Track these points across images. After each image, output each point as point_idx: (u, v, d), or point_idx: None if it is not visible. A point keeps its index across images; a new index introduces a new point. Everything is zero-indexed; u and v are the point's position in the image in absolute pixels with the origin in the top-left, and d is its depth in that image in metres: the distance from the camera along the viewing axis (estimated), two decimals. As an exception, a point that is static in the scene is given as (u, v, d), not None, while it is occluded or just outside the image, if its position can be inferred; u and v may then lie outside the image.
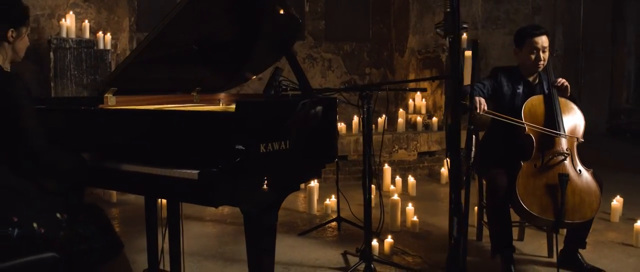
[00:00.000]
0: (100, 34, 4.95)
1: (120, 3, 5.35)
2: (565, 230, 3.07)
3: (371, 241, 2.91)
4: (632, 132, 7.00)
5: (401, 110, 6.14)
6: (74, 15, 4.91)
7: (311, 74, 6.75)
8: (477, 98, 2.83)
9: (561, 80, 3.04)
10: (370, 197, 2.90)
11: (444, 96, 6.08)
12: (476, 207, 3.96)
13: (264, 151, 2.03)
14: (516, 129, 2.94)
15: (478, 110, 2.81)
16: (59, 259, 1.86)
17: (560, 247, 3.11)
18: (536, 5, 6.91)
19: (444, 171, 5.65)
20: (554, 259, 3.21)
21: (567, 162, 2.87)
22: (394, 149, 5.77)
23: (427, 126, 6.15)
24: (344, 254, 3.35)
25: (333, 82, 6.88)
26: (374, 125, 5.87)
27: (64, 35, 4.79)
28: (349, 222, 3.83)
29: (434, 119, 6.10)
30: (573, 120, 3.00)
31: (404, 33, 6.66)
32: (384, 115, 5.90)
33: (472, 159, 2.73)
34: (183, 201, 2.05)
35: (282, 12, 2.86)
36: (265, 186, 2.05)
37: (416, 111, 6.38)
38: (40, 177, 2.02)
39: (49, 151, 1.96)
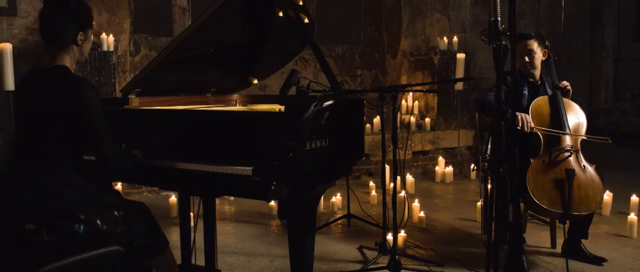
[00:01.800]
0: (103, 35, 4.99)
1: (121, 5, 5.39)
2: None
3: (396, 235, 3.04)
4: (611, 131, 7.34)
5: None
6: (76, 17, 4.93)
7: (303, 75, 6.87)
8: (523, 116, 3.02)
9: (566, 84, 3.25)
10: (395, 192, 3.03)
11: (436, 97, 6.29)
12: (478, 203, 4.17)
13: (309, 148, 2.16)
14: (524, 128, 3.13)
15: (526, 129, 2.99)
16: (123, 252, 1.96)
17: (561, 239, 3.33)
18: (521, 10, 7.19)
19: (439, 169, 5.85)
20: (557, 250, 3.44)
21: (573, 158, 3.07)
22: (389, 149, 5.92)
23: (420, 126, 6.35)
24: (360, 249, 3.49)
25: (325, 83, 7.00)
26: (370, 126, 6.04)
27: (67, 36, 4.80)
28: (359, 218, 3.97)
29: (427, 119, 6.31)
30: (576, 119, 3.21)
31: (395, 36, 6.85)
32: (377, 116, 6.07)
33: (487, 156, 2.90)
34: (235, 196, 2.17)
35: (281, 14, 2.98)
36: (309, 182, 2.19)
37: (409, 112, 6.57)
38: (102, 176, 2.11)
39: (117, 154, 2.05)
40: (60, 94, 1.95)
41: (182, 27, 6.23)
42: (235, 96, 3.35)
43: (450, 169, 5.84)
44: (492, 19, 1.80)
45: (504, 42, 1.76)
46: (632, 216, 3.79)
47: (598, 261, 3.19)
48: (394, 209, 3.02)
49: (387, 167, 5.44)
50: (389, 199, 3.94)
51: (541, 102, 3.21)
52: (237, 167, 2.03)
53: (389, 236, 3.35)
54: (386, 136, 3.44)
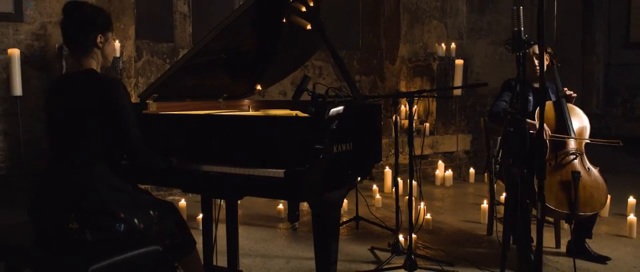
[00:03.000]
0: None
1: (127, 11, 5.44)
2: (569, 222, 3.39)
3: (411, 235, 3.12)
4: (602, 136, 7.53)
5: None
6: (83, 23, 4.97)
7: (303, 81, 6.97)
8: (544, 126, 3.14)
9: (570, 92, 3.38)
10: (411, 195, 3.12)
11: (435, 103, 6.42)
12: (483, 205, 4.28)
13: (336, 151, 2.25)
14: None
15: (546, 138, 3.11)
16: (162, 251, 2.03)
17: (565, 239, 3.45)
18: (515, 17, 7.36)
19: (439, 173, 5.97)
20: (562, 249, 3.56)
21: (578, 161, 3.20)
22: (390, 153, 6.04)
23: (418, 131, 6.46)
24: (372, 250, 3.58)
25: (323, 88, 7.10)
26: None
27: (74, 42, 4.84)
28: (369, 221, 4.06)
29: (426, 124, 6.43)
30: (580, 123, 3.35)
31: (394, 42, 6.98)
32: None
33: (500, 160, 3.02)
34: (266, 197, 2.24)
35: (284, 21, 3.06)
36: (335, 183, 2.27)
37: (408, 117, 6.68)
38: (131, 176, 2.18)
39: (146, 151, 2.12)
40: (93, 93, 2.02)
41: (183, 33, 6.29)
42: (246, 102, 3.43)
43: (449, 172, 5.96)
44: (516, 28, 1.90)
45: (528, 51, 1.87)
46: (632, 217, 3.93)
47: (602, 259, 3.31)
48: (410, 210, 3.11)
49: (389, 172, 5.56)
50: (392, 201, 4.06)
51: (546, 107, 3.33)
52: (270, 170, 2.12)
53: (401, 237, 3.45)
54: (399, 140, 3.52)
